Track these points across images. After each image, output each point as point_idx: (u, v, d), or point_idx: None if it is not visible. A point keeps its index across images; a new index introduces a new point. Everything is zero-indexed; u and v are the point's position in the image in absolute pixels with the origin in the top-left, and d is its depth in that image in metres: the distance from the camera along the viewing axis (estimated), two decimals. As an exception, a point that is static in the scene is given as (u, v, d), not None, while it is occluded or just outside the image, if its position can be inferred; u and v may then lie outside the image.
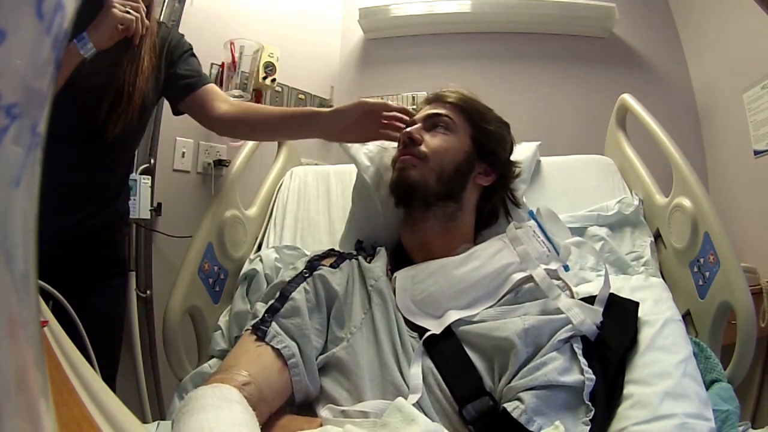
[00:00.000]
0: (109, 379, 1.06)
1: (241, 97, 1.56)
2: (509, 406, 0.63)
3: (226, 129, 1.11)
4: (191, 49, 1.12)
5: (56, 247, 0.88)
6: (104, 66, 0.93)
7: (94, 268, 1.05)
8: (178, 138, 1.63)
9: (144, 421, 0.77)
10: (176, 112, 1.12)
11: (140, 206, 1.44)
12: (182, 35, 1.12)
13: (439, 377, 0.71)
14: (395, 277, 0.84)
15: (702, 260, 0.96)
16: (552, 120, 1.93)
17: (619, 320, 0.78)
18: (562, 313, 0.74)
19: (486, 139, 0.93)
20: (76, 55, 0.85)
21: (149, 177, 1.50)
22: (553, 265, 0.82)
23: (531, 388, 0.65)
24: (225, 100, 1.08)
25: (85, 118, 0.94)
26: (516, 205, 1.00)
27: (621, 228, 1.13)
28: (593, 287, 0.89)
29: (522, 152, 1.06)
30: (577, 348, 0.71)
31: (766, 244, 1.53)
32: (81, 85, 0.89)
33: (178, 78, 1.06)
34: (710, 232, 0.94)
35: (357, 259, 0.86)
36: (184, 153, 1.64)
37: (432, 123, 0.92)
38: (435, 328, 0.75)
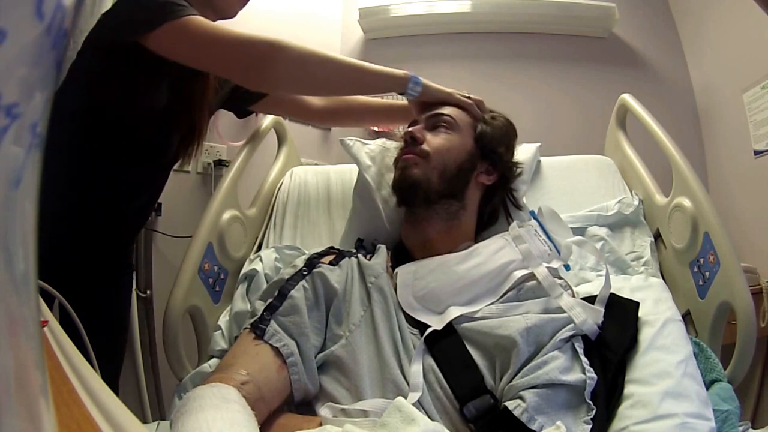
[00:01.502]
0: (112, 379, 1.06)
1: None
2: (510, 405, 0.63)
3: (331, 118, 1.27)
4: None
5: (65, 248, 0.88)
6: (186, 104, 0.99)
7: (101, 269, 1.05)
8: (178, 138, 1.62)
9: (144, 421, 0.76)
10: (246, 113, 1.20)
11: (140, 206, 1.44)
12: None
13: (440, 375, 0.71)
14: (396, 273, 0.84)
15: (702, 260, 0.96)
16: (552, 120, 1.93)
17: (620, 320, 0.79)
18: (564, 312, 0.74)
19: (488, 139, 0.93)
20: (398, 87, 0.94)
21: (149, 177, 1.50)
22: (555, 264, 0.82)
23: (532, 387, 0.65)
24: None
25: (166, 150, 1.02)
26: (516, 206, 1.00)
27: (621, 228, 1.13)
28: (593, 287, 0.89)
29: (522, 153, 1.07)
30: (579, 347, 0.71)
31: (766, 244, 1.53)
32: (171, 120, 0.97)
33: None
34: (710, 232, 0.94)
35: (356, 256, 0.86)
36: (184, 153, 1.64)
37: (434, 123, 0.93)
38: (436, 324, 0.75)
